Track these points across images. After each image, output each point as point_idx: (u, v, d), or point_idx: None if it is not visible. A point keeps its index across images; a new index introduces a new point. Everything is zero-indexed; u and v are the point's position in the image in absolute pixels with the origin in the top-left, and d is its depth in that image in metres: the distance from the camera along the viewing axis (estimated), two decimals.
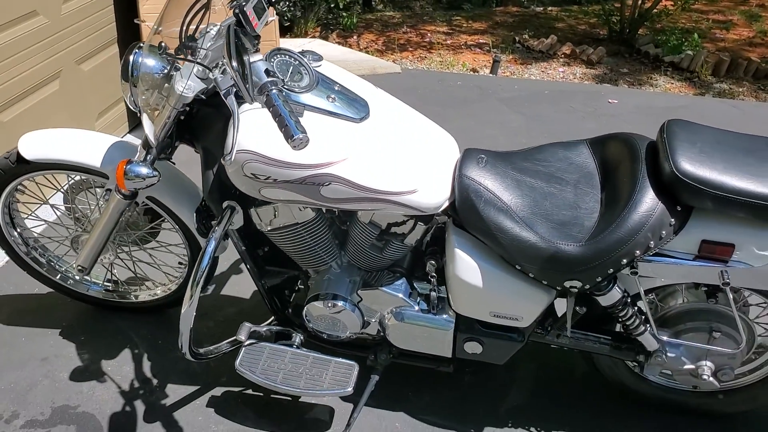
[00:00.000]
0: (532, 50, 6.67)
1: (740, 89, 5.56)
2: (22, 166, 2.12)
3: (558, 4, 8.72)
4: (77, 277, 2.45)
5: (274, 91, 1.48)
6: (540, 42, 6.71)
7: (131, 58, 1.81)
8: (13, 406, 2.16)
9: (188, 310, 1.83)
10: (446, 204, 1.82)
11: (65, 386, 2.24)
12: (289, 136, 1.42)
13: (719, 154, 1.67)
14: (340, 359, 2.05)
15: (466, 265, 1.84)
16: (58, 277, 2.44)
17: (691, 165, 1.63)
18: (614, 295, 1.80)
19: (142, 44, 1.84)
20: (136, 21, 2.68)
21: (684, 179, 1.62)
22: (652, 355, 1.93)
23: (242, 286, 2.69)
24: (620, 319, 1.86)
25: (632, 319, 1.86)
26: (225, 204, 1.90)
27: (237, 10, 1.61)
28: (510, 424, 2.14)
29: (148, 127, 1.85)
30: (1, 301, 2.59)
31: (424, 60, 6.29)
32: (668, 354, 1.93)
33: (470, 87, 4.80)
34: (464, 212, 1.79)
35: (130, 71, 1.80)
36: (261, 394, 2.21)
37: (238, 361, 2.01)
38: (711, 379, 1.93)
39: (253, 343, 2.07)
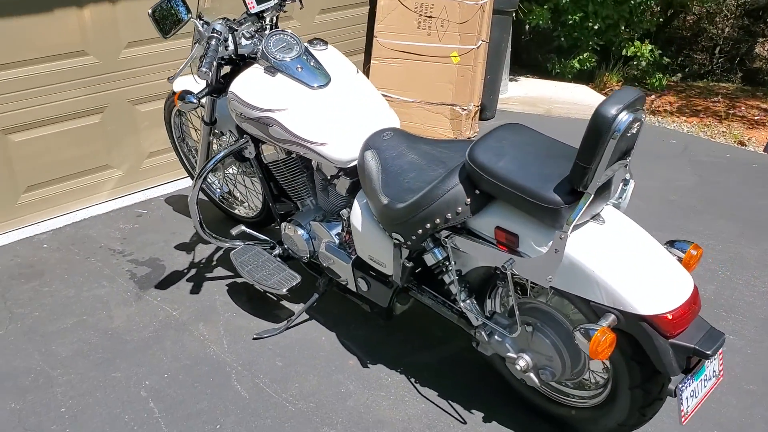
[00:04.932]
0: None
1: None
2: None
3: None
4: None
5: (212, 42, 2.29)
6: None
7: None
8: (133, 249, 3.27)
9: (192, 195, 2.69)
10: (355, 162, 2.35)
11: (167, 250, 3.27)
12: (198, 68, 2.22)
13: (516, 152, 1.90)
14: (291, 271, 2.68)
15: (357, 214, 2.34)
16: None
17: (480, 154, 1.91)
18: (432, 257, 2.12)
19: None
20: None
21: (470, 164, 1.91)
22: (476, 331, 2.16)
23: None
24: (445, 284, 2.16)
25: (452, 285, 2.13)
26: (244, 135, 2.71)
27: None
28: (399, 370, 2.51)
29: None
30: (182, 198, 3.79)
31: (706, 126, 6.12)
32: (495, 337, 2.13)
33: (679, 146, 4.73)
34: (358, 168, 2.31)
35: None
36: (260, 291, 2.95)
37: (232, 252, 2.80)
38: (530, 374, 2.08)
39: (249, 244, 2.83)
